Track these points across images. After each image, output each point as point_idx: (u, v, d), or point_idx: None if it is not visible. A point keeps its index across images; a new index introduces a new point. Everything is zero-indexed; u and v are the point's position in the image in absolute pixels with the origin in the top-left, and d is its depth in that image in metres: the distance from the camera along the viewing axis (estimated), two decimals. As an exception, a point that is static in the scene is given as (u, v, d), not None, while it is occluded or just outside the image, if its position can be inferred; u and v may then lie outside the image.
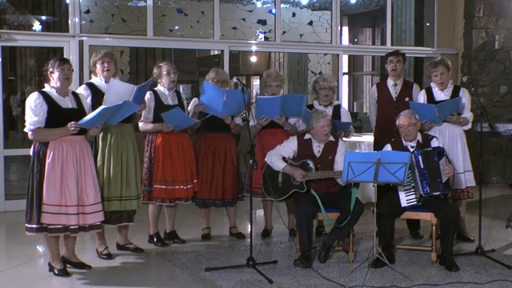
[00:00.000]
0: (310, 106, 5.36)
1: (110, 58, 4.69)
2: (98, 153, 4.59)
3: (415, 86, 5.64)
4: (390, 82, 5.59)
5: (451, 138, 5.14)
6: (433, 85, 5.27)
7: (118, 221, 4.74)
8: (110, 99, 4.31)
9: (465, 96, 5.19)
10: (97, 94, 4.54)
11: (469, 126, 5.22)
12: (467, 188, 5.14)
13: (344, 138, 5.43)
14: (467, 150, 5.19)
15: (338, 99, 5.71)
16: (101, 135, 4.58)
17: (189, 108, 5.24)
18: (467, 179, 5.14)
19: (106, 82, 4.63)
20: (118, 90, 4.40)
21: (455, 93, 5.18)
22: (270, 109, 5.14)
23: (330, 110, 5.30)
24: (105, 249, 4.78)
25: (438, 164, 4.49)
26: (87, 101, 4.50)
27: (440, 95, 5.20)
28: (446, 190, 4.54)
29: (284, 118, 5.21)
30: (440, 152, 4.55)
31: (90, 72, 4.83)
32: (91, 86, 4.63)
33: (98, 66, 4.65)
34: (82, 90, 4.60)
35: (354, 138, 6.13)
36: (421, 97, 5.32)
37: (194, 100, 5.27)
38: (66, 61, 4.30)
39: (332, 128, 4.94)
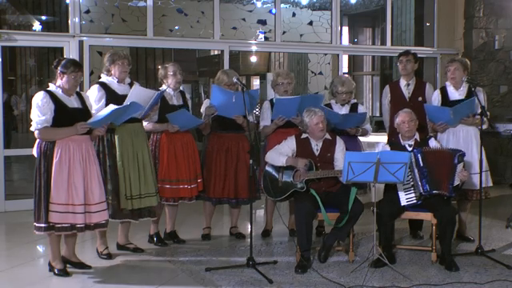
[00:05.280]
0: (328, 105, 5.36)
1: (129, 62, 4.74)
2: (114, 152, 4.59)
3: (428, 85, 5.63)
4: (402, 82, 5.58)
5: (465, 139, 5.10)
6: (448, 84, 5.26)
7: (139, 216, 4.76)
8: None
9: (481, 95, 5.10)
10: (110, 94, 4.57)
11: (485, 126, 5.17)
12: (484, 188, 5.07)
13: (361, 138, 5.44)
14: (483, 149, 5.10)
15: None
16: (116, 136, 4.60)
17: (201, 109, 5.26)
18: (484, 179, 5.04)
19: (119, 81, 4.65)
20: (139, 97, 4.44)
21: (470, 92, 5.12)
22: (287, 109, 5.15)
23: (347, 108, 5.31)
24: (105, 249, 4.78)
25: (456, 167, 4.48)
26: (102, 101, 4.52)
27: (454, 94, 5.18)
28: (453, 192, 4.54)
29: (300, 118, 5.22)
30: (461, 155, 4.51)
31: (91, 73, 4.82)
32: (104, 86, 4.64)
33: (118, 65, 4.63)
34: (95, 91, 4.62)
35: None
36: (435, 96, 5.31)
37: (206, 101, 5.28)
38: (81, 67, 4.30)
39: (346, 123, 4.98)
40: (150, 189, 4.74)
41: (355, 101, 5.52)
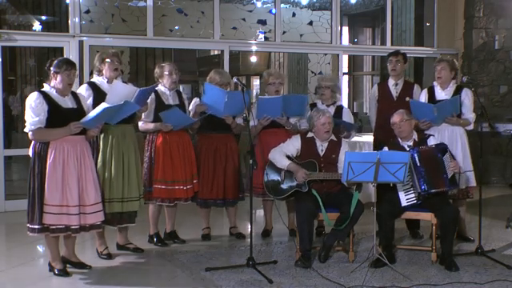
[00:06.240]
0: (314, 105, 5.38)
1: (119, 60, 4.71)
2: (98, 153, 4.58)
3: (416, 87, 5.67)
4: (390, 82, 5.61)
5: (450, 138, 5.12)
6: (435, 84, 5.28)
7: (119, 222, 4.74)
8: (111, 101, 4.30)
9: (467, 96, 5.16)
10: (99, 94, 4.53)
11: (471, 127, 5.21)
12: (467, 188, 5.13)
13: (345, 139, 5.45)
14: (468, 149, 5.18)
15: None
16: (102, 136, 4.58)
17: (190, 107, 5.25)
18: (467, 179, 5.13)
19: (109, 81, 4.62)
20: (120, 92, 4.39)
21: (457, 93, 5.15)
22: (271, 109, 5.15)
23: (331, 110, 5.32)
24: (105, 249, 4.78)
25: (443, 160, 4.49)
26: (89, 101, 4.49)
27: (441, 94, 5.20)
28: (452, 185, 4.54)
29: (285, 118, 5.23)
30: (443, 148, 4.56)
31: (91, 73, 4.79)
32: (93, 86, 4.62)
33: (107, 63, 4.60)
34: (83, 90, 4.59)
35: (353, 138, 6.13)
36: (422, 96, 5.33)
37: (195, 100, 5.28)
38: (74, 65, 4.27)
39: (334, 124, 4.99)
40: (133, 193, 4.69)
41: (340, 103, 5.58)
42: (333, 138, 4.86)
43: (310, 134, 4.89)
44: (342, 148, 4.83)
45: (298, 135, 4.96)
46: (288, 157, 4.80)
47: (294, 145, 4.86)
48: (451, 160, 4.56)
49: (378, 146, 5.45)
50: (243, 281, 4.16)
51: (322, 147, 4.83)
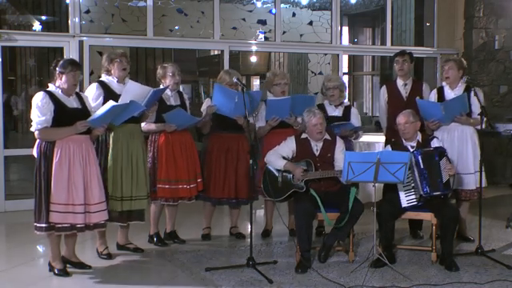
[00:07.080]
0: (321, 106, 5.37)
1: (128, 60, 4.75)
2: (108, 151, 4.60)
3: (425, 85, 5.66)
4: (399, 82, 5.58)
5: (460, 138, 5.08)
6: (444, 84, 5.26)
7: (128, 219, 4.77)
8: (125, 99, 4.34)
9: (480, 95, 5.04)
10: (109, 93, 4.57)
11: (482, 126, 5.16)
12: (477, 188, 5.07)
13: (353, 140, 5.45)
14: (478, 149, 5.08)
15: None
16: (111, 134, 4.60)
17: (202, 107, 5.26)
18: (478, 179, 5.04)
19: (119, 81, 4.66)
20: (134, 92, 4.43)
21: (466, 92, 5.10)
22: (280, 110, 5.17)
23: (340, 110, 5.31)
24: (105, 249, 4.78)
25: (439, 164, 4.49)
26: (99, 100, 4.53)
27: (450, 94, 5.17)
28: (445, 190, 4.53)
29: (294, 118, 5.24)
30: (441, 152, 4.55)
31: (91, 73, 4.81)
32: (103, 85, 4.65)
33: (117, 63, 4.65)
34: (93, 88, 4.63)
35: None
36: (432, 96, 5.31)
37: (208, 100, 5.28)
38: (79, 66, 4.31)
39: (337, 127, 5.01)
40: (141, 191, 4.73)
41: (348, 103, 5.55)
42: (327, 137, 4.86)
43: (303, 135, 4.89)
44: (337, 146, 4.83)
45: (293, 136, 4.95)
46: (284, 158, 4.81)
47: (289, 146, 4.86)
48: (448, 164, 4.55)
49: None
50: (243, 281, 4.16)
51: (316, 147, 4.83)
